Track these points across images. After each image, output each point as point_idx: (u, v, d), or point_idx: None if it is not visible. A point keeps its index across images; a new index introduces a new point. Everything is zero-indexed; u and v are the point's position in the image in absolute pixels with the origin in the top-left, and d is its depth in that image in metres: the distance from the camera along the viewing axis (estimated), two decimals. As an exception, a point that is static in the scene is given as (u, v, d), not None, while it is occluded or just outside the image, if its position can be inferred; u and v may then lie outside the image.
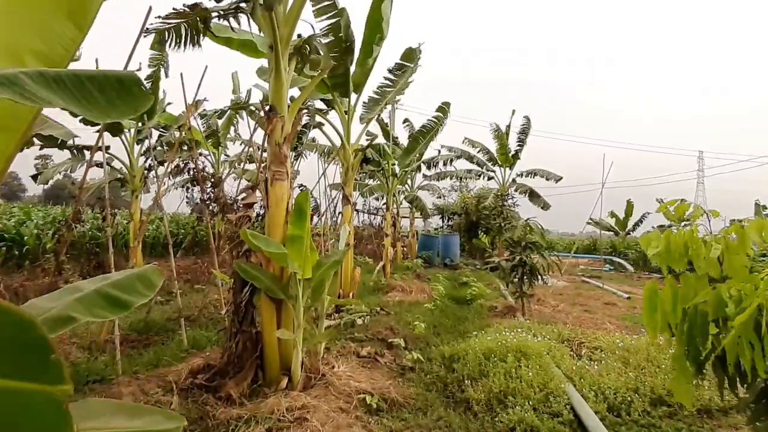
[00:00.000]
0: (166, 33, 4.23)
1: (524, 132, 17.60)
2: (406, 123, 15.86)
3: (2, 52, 0.96)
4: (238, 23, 4.19)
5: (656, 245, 1.87)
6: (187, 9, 3.93)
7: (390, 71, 8.35)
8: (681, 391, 1.75)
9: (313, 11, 6.08)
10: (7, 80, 0.84)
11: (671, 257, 1.82)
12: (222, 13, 4.07)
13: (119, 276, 1.35)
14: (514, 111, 17.58)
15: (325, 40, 6.15)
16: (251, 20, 4.12)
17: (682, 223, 2.00)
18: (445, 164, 16.96)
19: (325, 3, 6.08)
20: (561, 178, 17.95)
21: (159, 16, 4.02)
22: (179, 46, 4.36)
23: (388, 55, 7.38)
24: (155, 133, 10.58)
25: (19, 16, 0.97)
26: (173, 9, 3.93)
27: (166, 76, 8.67)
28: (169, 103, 10.14)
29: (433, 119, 10.91)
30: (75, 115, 8.63)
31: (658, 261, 1.87)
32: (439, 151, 16.32)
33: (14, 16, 0.97)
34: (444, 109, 10.96)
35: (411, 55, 8.23)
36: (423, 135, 10.86)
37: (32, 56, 0.98)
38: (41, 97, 0.86)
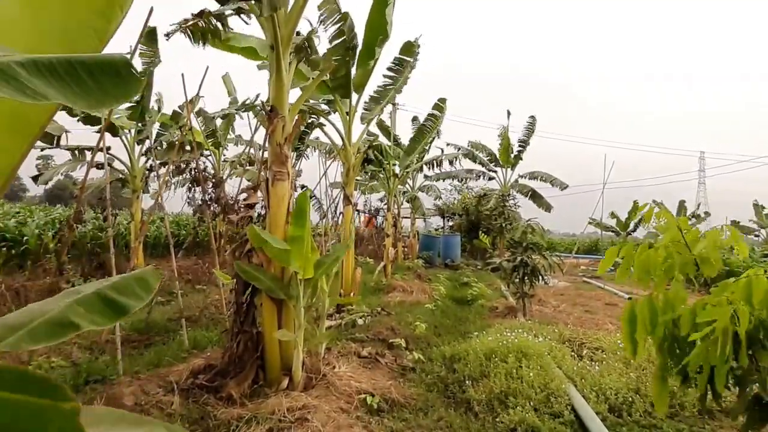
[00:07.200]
0: (188, 31, 4.36)
1: (528, 133, 17.44)
2: (415, 121, 15.77)
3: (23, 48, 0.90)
4: (249, 18, 4.20)
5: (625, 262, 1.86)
6: (194, 15, 3.99)
7: (389, 69, 8.32)
8: (659, 400, 1.78)
9: (318, 15, 6.11)
10: (4, 74, 0.80)
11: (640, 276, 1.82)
12: (225, 15, 4.08)
13: (118, 279, 1.34)
14: (509, 113, 17.33)
15: (327, 42, 6.17)
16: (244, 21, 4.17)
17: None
18: (451, 163, 15.92)
19: (330, 7, 6.09)
20: (567, 186, 17.58)
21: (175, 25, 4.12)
22: (200, 44, 4.55)
23: (386, 54, 7.35)
24: (154, 133, 10.58)
25: (47, 10, 0.91)
26: (184, 19, 4.08)
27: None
28: (158, 99, 10.08)
29: (431, 117, 10.89)
30: (74, 115, 8.64)
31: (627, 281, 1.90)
32: (442, 150, 16.12)
33: (41, 11, 0.90)
34: (440, 105, 10.89)
35: (410, 49, 8.16)
36: (422, 134, 10.82)
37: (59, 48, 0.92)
38: (39, 91, 0.82)
